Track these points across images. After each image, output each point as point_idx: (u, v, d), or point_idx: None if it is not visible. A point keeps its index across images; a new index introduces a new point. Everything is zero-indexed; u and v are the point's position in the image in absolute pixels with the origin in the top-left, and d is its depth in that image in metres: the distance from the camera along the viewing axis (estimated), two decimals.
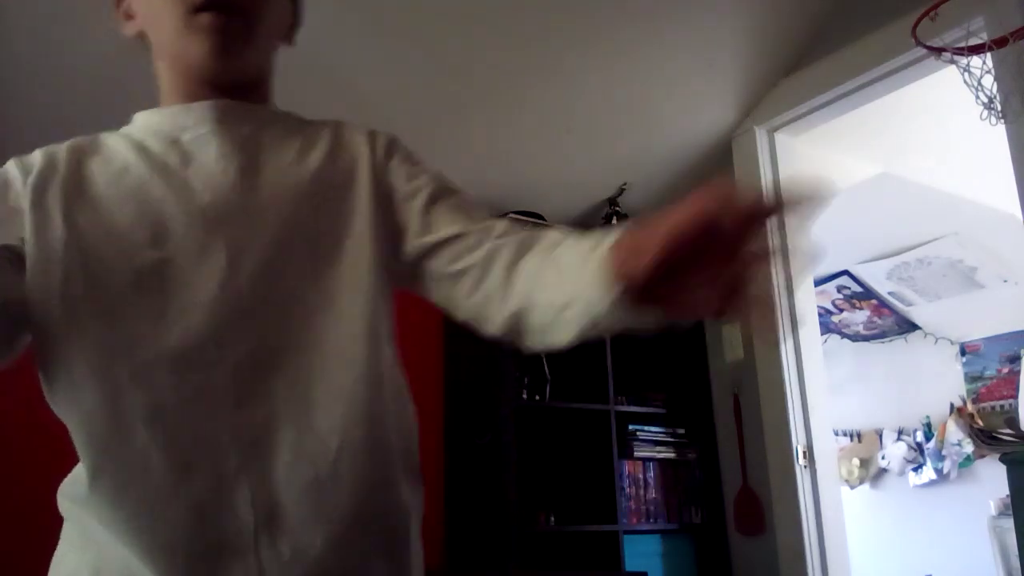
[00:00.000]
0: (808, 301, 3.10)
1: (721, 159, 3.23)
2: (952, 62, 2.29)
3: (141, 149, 0.83)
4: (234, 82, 0.86)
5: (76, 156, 0.82)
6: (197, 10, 0.79)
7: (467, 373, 3.01)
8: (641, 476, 3.12)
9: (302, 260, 0.81)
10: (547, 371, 3.04)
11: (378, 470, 0.79)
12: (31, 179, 0.79)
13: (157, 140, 0.83)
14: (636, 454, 3.10)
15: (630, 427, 3.12)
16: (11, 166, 0.81)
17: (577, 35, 2.62)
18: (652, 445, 3.16)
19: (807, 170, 3.14)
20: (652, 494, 3.13)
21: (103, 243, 0.77)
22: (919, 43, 2.27)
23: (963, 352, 4.29)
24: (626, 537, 2.94)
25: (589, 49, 2.69)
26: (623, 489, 3.04)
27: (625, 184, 3.27)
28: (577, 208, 3.35)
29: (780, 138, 3.10)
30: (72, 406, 0.75)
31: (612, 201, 3.30)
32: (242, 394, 0.76)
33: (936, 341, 4.41)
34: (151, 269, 0.77)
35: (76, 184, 0.80)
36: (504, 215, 3.04)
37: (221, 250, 0.78)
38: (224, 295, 0.77)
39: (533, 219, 3.11)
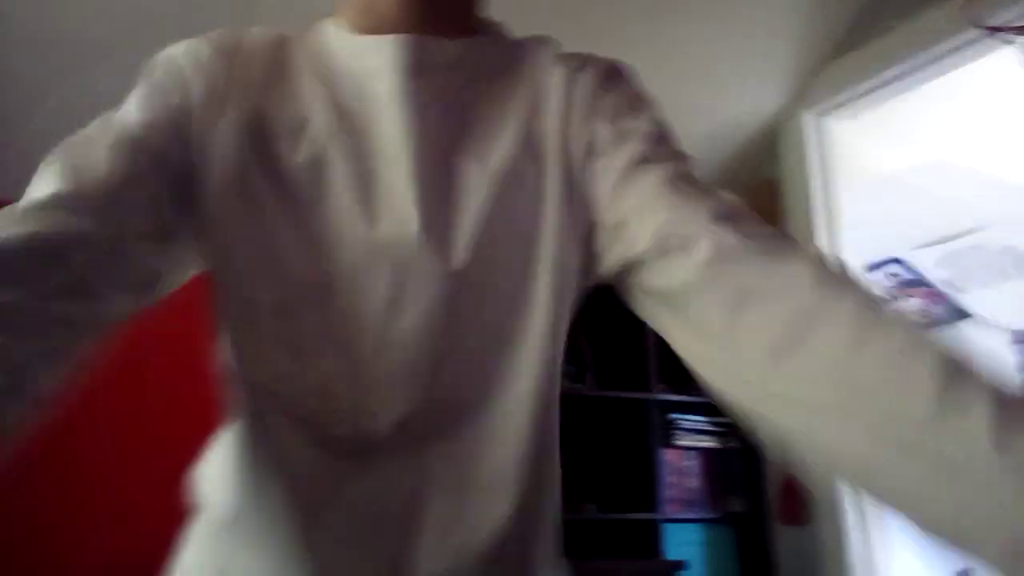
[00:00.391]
0: None
1: (766, 147, 3.16)
2: (1010, 42, 2.22)
3: (327, 95, 0.64)
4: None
5: (267, 82, 0.63)
6: None
7: None
8: (683, 465, 3.09)
9: (483, 294, 0.62)
10: (588, 359, 3.02)
11: (527, 569, 0.64)
12: (223, 120, 0.61)
13: (345, 82, 0.64)
14: (677, 443, 3.07)
15: (671, 416, 3.09)
16: (173, 89, 0.62)
17: (605, 21, 2.58)
18: (694, 434, 3.13)
19: (857, 155, 3.07)
20: (693, 483, 3.10)
21: (266, 248, 0.61)
22: (975, 23, 2.20)
23: (1016, 340, 4.17)
24: (667, 526, 2.92)
25: (618, 35, 2.64)
26: (664, 478, 3.01)
27: None
28: None
29: (829, 123, 3.03)
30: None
31: None
32: (391, 465, 0.61)
33: (988, 329, 4.30)
34: (307, 292, 0.61)
35: (263, 140, 0.61)
36: None
37: (385, 277, 0.60)
38: (384, 338, 0.60)
39: None
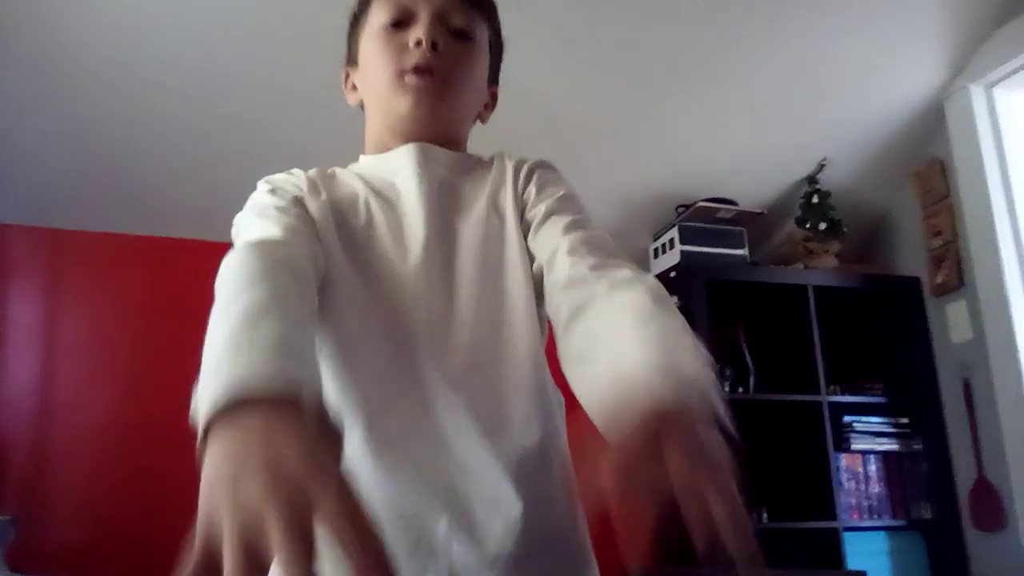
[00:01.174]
0: None
1: (932, 123, 2.97)
2: None
3: (366, 185, 0.99)
4: (431, 136, 1.01)
5: (330, 184, 0.99)
6: (404, 72, 0.98)
7: None
8: (861, 470, 2.92)
9: (478, 297, 0.93)
10: (749, 362, 2.91)
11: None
12: (318, 201, 0.95)
13: (376, 176, 1.00)
14: (854, 447, 2.91)
15: (845, 418, 2.92)
16: (289, 186, 0.97)
17: (760, 3, 2.49)
18: (872, 437, 2.95)
19: None
20: (875, 488, 2.92)
21: (344, 279, 0.92)
22: None
23: None
24: (848, 534, 2.76)
25: (773, 17, 2.54)
26: (841, 484, 2.85)
27: (824, 159, 3.07)
28: (773, 189, 3.18)
29: (1000, 94, 2.81)
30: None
31: (811, 179, 3.12)
32: (439, 409, 0.87)
33: None
34: (370, 307, 0.91)
35: (338, 212, 0.96)
36: (694, 203, 2.95)
37: (420, 292, 0.91)
38: (430, 332, 0.90)
39: (726, 205, 2.99)
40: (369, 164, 1.04)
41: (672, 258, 2.96)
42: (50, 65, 2.33)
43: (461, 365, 0.89)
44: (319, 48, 2.49)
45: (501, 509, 0.85)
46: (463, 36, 1.02)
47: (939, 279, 2.98)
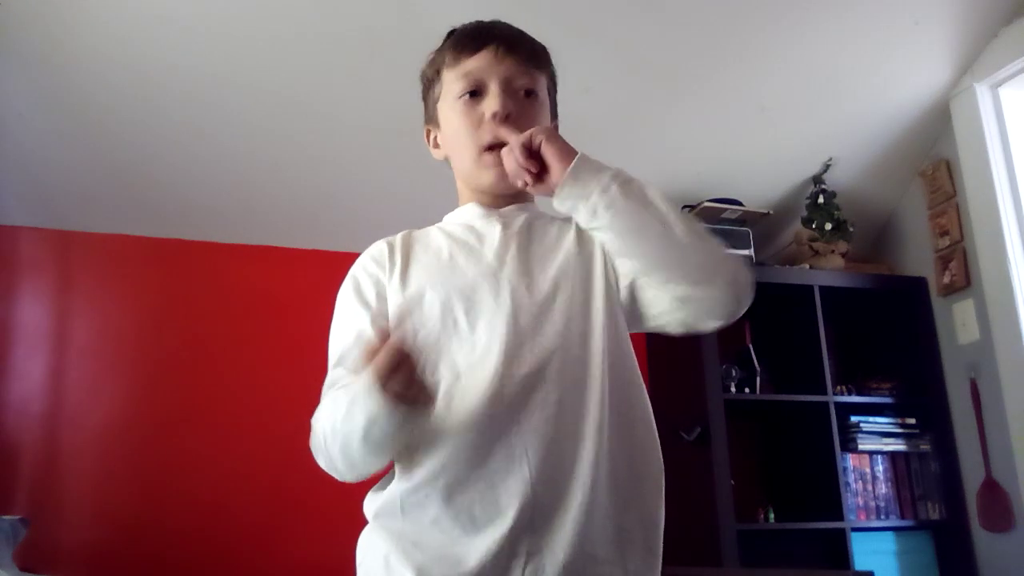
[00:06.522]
0: None
1: (938, 123, 2.96)
2: None
3: (448, 234, 1.11)
4: (510, 194, 1.12)
5: (409, 243, 1.13)
6: (483, 149, 1.07)
7: (670, 367, 2.94)
8: (868, 470, 2.92)
9: (561, 313, 1.02)
10: (756, 363, 2.91)
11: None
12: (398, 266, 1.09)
13: (459, 228, 1.12)
14: (861, 447, 2.90)
15: (852, 419, 2.92)
16: (370, 274, 1.10)
17: (766, 3, 2.49)
18: (879, 437, 2.95)
19: None
20: (882, 489, 2.92)
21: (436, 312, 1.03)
22: None
23: None
24: (855, 535, 2.76)
25: (779, 18, 2.55)
26: (848, 484, 2.85)
27: (831, 159, 3.07)
28: (779, 190, 3.18)
29: (1006, 93, 2.81)
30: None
31: (817, 179, 3.12)
32: (517, 417, 0.95)
33: None
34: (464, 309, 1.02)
35: (407, 262, 1.10)
36: (700, 204, 2.95)
37: (507, 297, 1.01)
38: (508, 328, 0.99)
39: (732, 206, 2.99)
40: (454, 218, 1.16)
41: None
42: (59, 67, 2.34)
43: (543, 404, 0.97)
44: (329, 51, 2.52)
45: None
46: (529, 94, 1.11)
47: (946, 279, 2.98)
